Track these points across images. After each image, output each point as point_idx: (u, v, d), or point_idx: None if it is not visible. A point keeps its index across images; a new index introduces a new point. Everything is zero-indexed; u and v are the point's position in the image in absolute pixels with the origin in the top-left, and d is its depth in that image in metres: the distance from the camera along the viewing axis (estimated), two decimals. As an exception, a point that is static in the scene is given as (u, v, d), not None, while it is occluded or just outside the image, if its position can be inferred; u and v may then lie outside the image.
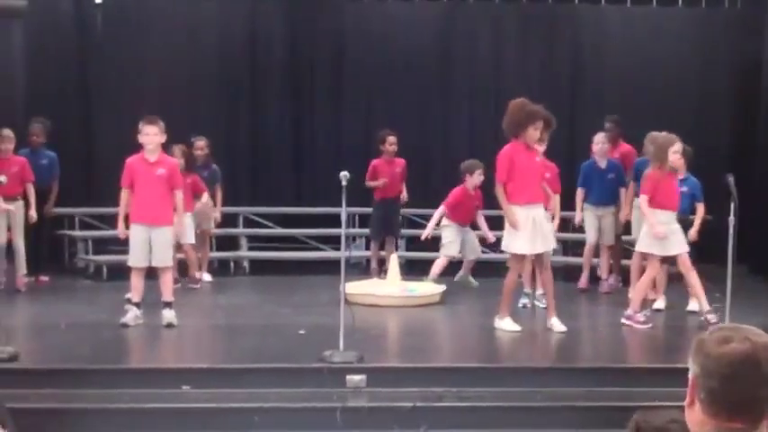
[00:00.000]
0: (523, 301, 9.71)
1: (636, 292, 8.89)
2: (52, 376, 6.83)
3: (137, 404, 6.70)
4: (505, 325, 8.43)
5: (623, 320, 8.72)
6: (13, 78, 12.36)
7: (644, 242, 8.75)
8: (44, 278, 10.84)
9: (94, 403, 6.70)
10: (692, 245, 9.02)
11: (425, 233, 10.82)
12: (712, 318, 8.32)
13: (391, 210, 11.53)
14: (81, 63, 12.63)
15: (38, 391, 6.60)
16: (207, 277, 11.26)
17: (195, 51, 12.71)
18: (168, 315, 8.47)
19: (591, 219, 10.55)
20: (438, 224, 10.73)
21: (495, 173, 8.51)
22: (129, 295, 8.64)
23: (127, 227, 8.55)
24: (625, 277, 10.45)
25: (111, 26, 12.61)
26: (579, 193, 10.52)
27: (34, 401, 6.42)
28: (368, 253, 12.00)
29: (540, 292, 9.65)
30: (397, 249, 11.53)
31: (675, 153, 8.71)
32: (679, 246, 8.67)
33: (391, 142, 11.36)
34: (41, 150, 10.86)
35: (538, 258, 8.58)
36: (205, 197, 10.78)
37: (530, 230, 8.30)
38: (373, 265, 11.37)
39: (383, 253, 11.47)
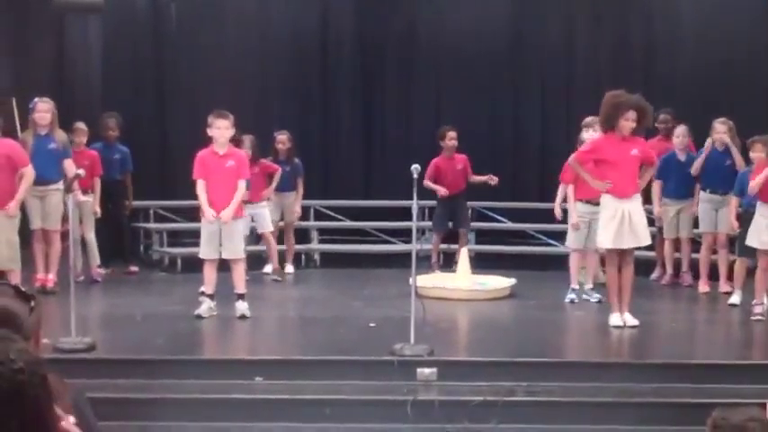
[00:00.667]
0: (570, 296, 9.64)
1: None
2: (128, 366, 6.98)
3: (210, 395, 6.84)
4: (611, 320, 8.43)
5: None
6: (89, 73, 12.66)
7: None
8: (134, 269, 11.09)
9: (169, 393, 6.85)
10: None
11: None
12: None
13: (456, 205, 11.42)
14: (155, 58, 12.86)
15: (114, 381, 6.75)
16: (290, 269, 11.40)
17: (267, 46, 12.86)
18: (241, 307, 8.59)
19: (670, 213, 10.45)
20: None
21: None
22: (203, 287, 8.79)
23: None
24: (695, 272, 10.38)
25: (185, 21, 12.83)
26: (656, 185, 10.36)
27: (110, 391, 6.56)
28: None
29: (589, 286, 9.60)
30: (467, 243, 11.50)
31: None
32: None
33: (451, 137, 11.25)
34: (115, 145, 11.06)
35: (622, 254, 8.43)
36: (276, 176, 10.87)
37: (617, 224, 8.23)
38: (433, 258, 11.33)
39: (443, 246, 11.51)
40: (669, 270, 10.64)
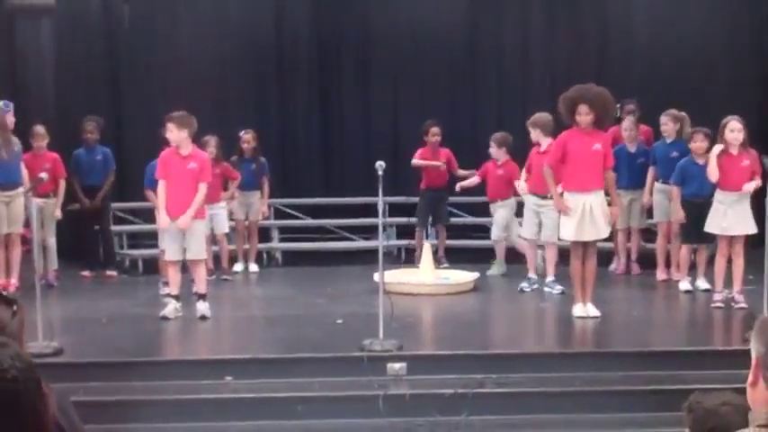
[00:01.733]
0: (523, 284, 9.89)
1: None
2: (97, 370, 6.95)
3: (181, 395, 6.83)
4: (574, 311, 8.53)
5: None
6: (42, 76, 12.50)
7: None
8: (111, 273, 11.09)
9: (140, 395, 6.85)
10: None
11: None
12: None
13: (439, 199, 11.54)
14: (109, 59, 12.72)
15: (84, 384, 6.70)
16: (254, 267, 11.43)
17: (222, 44, 12.77)
18: (202, 307, 8.58)
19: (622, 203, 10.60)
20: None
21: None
22: (167, 289, 8.76)
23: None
24: (651, 262, 10.56)
25: (139, 21, 12.70)
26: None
27: (81, 395, 6.47)
28: (400, 242, 12.11)
29: (550, 278, 9.73)
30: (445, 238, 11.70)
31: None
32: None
33: (434, 133, 11.42)
34: (96, 147, 11.03)
35: (585, 246, 8.55)
36: (233, 185, 10.91)
37: (578, 217, 8.34)
38: (418, 252, 11.37)
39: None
40: (622, 259, 10.82)
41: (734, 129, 8.67)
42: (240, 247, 11.42)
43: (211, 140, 10.33)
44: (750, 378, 2.31)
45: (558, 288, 9.65)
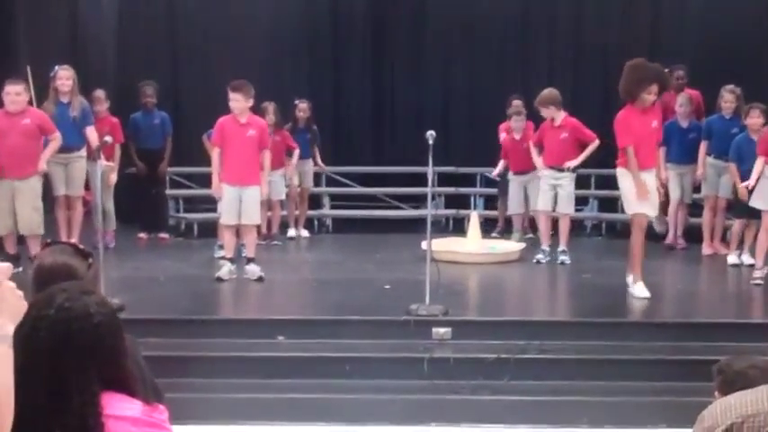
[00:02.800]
0: (537, 256, 10.01)
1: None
2: (156, 326, 7.17)
3: (235, 353, 7.08)
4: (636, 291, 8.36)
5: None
6: (103, 40, 12.78)
7: None
8: (164, 236, 11.41)
9: (195, 352, 7.10)
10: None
11: None
12: None
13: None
14: (169, 25, 12.99)
15: (143, 340, 6.95)
16: (304, 233, 11.68)
17: (279, 13, 12.95)
18: (254, 269, 8.81)
19: (673, 177, 10.67)
20: None
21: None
22: (222, 252, 9.02)
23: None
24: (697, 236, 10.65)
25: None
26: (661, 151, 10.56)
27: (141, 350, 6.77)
28: (448, 212, 12.30)
29: (561, 248, 9.90)
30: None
31: None
32: None
33: (515, 105, 11.50)
34: (154, 111, 11.31)
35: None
36: (296, 155, 11.14)
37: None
38: (500, 223, 11.65)
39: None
40: (671, 232, 10.88)
41: None
42: (292, 213, 11.67)
43: (270, 107, 10.54)
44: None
45: (568, 259, 9.85)
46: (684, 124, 10.70)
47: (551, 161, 10.09)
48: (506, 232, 11.52)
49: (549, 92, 10.20)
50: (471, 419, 6.40)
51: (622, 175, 8.38)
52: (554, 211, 10.14)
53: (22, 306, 2.21)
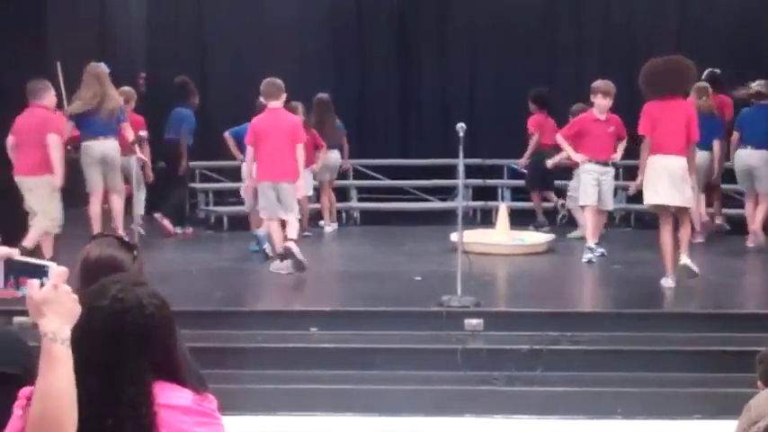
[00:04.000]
0: (587, 256, 9.54)
1: None
2: (190, 318, 7.16)
3: (269, 344, 7.11)
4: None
5: None
6: (131, 37, 12.87)
7: None
8: (188, 230, 11.31)
9: (229, 343, 7.13)
10: None
11: None
12: None
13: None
14: (197, 23, 13.05)
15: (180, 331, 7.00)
16: (334, 225, 11.67)
17: (305, 12, 12.98)
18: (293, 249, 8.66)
19: None
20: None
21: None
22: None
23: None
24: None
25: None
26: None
27: (176, 341, 6.81)
28: (476, 203, 12.29)
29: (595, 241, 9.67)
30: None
31: None
32: None
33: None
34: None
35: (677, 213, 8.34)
36: (323, 151, 11.16)
37: (667, 181, 8.18)
38: (539, 216, 11.58)
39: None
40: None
41: None
42: (325, 206, 11.68)
43: (299, 107, 10.48)
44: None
45: (599, 251, 9.66)
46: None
47: (598, 155, 9.80)
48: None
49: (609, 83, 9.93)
50: (505, 411, 6.39)
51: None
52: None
53: (78, 309, 2.23)
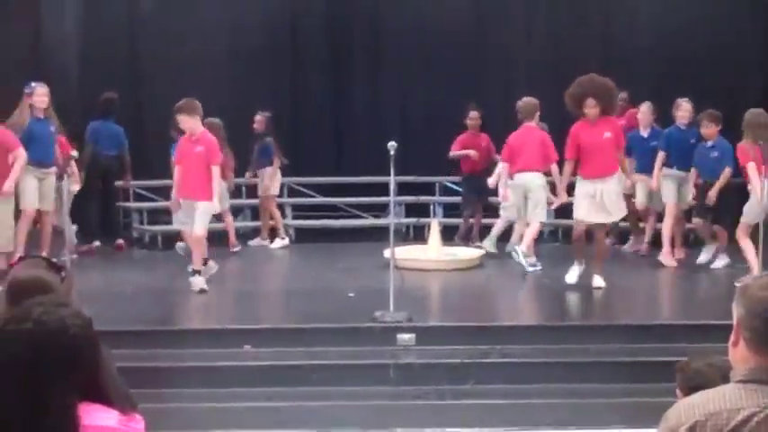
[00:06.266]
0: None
1: None
2: (125, 338, 7.11)
3: (203, 362, 7.06)
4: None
5: None
6: (65, 58, 12.64)
7: None
8: (121, 242, 11.19)
9: (164, 362, 7.06)
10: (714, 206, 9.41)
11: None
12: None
13: (481, 180, 11.31)
14: (130, 42, 12.89)
15: (114, 351, 6.90)
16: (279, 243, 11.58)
17: (238, 27, 12.89)
18: (197, 281, 8.64)
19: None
20: None
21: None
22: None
23: None
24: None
25: (160, 7, 12.84)
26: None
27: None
28: (409, 220, 12.33)
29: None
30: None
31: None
32: None
33: (471, 117, 11.41)
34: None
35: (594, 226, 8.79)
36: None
37: (588, 201, 8.54)
38: (463, 231, 11.52)
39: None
40: (645, 239, 10.86)
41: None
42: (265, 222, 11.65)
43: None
44: (732, 338, 2.51)
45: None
46: (645, 134, 10.73)
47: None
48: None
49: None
50: (437, 424, 6.41)
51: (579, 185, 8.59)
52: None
53: None
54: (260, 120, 11.60)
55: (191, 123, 8.71)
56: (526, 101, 10.20)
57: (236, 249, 11.05)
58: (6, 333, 2.41)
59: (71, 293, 3.45)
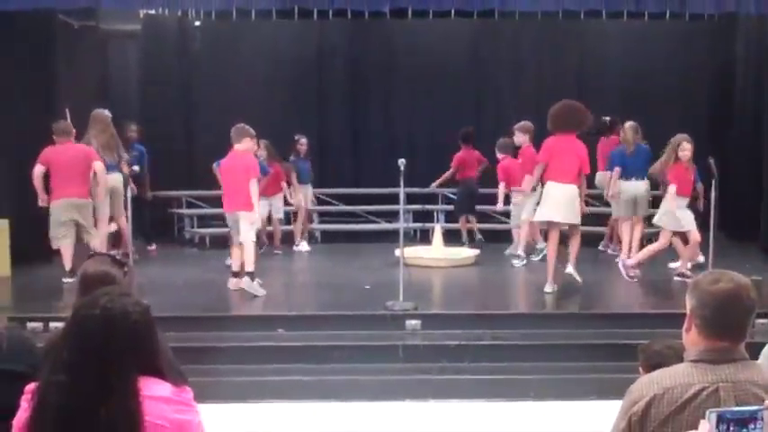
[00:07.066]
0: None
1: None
2: (177, 322, 7.09)
3: (243, 343, 7.07)
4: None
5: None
6: (128, 89, 12.70)
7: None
8: (152, 247, 11.09)
9: (210, 343, 7.09)
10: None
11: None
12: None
13: (472, 187, 11.49)
14: (183, 74, 12.94)
15: (167, 333, 6.91)
16: (305, 246, 11.43)
17: (273, 64, 12.93)
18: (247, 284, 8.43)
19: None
20: None
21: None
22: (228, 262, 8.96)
23: None
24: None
25: (208, 44, 12.89)
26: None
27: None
28: (416, 225, 12.32)
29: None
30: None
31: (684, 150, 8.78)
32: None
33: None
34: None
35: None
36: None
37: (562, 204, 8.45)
38: (464, 236, 11.48)
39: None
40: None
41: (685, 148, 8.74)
42: (298, 228, 11.54)
43: (261, 144, 10.24)
44: (685, 325, 2.52)
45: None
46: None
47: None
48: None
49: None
50: (438, 396, 6.43)
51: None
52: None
53: None
54: (305, 142, 11.61)
55: (245, 145, 8.52)
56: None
57: (277, 251, 11.06)
58: (79, 317, 2.45)
59: (132, 285, 3.47)
